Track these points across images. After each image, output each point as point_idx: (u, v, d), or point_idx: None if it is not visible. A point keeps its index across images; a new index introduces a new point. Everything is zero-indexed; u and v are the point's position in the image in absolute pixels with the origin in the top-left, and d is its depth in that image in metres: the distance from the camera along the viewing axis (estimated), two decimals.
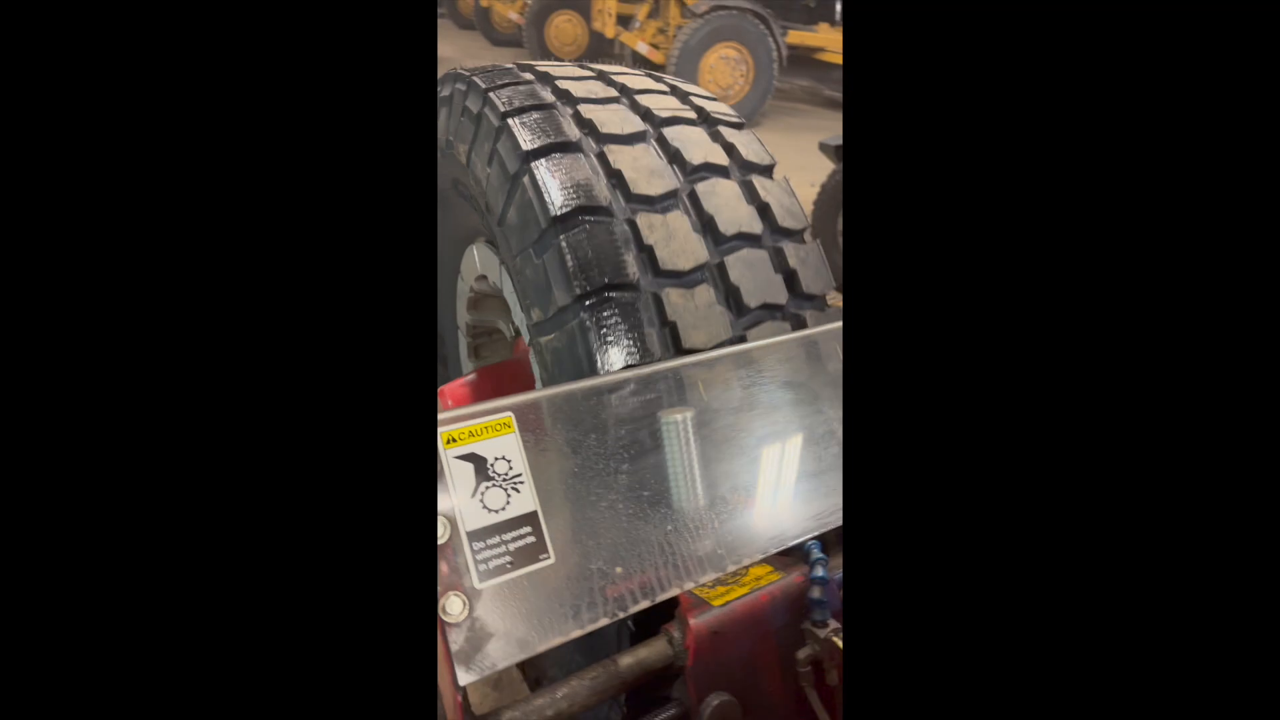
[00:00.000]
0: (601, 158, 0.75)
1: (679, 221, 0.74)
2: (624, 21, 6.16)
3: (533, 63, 0.89)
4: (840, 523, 0.66)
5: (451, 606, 0.48)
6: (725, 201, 0.78)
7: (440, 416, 0.52)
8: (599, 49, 6.94)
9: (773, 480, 0.65)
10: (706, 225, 0.76)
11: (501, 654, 0.48)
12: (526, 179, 0.73)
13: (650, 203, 0.75)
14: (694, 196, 0.77)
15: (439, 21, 10.07)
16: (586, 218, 0.71)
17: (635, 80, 0.89)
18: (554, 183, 0.72)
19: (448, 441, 0.52)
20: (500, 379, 1.05)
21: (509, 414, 0.54)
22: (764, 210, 0.80)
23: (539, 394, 0.56)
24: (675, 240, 0.74)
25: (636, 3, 6.09)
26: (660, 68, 5.42)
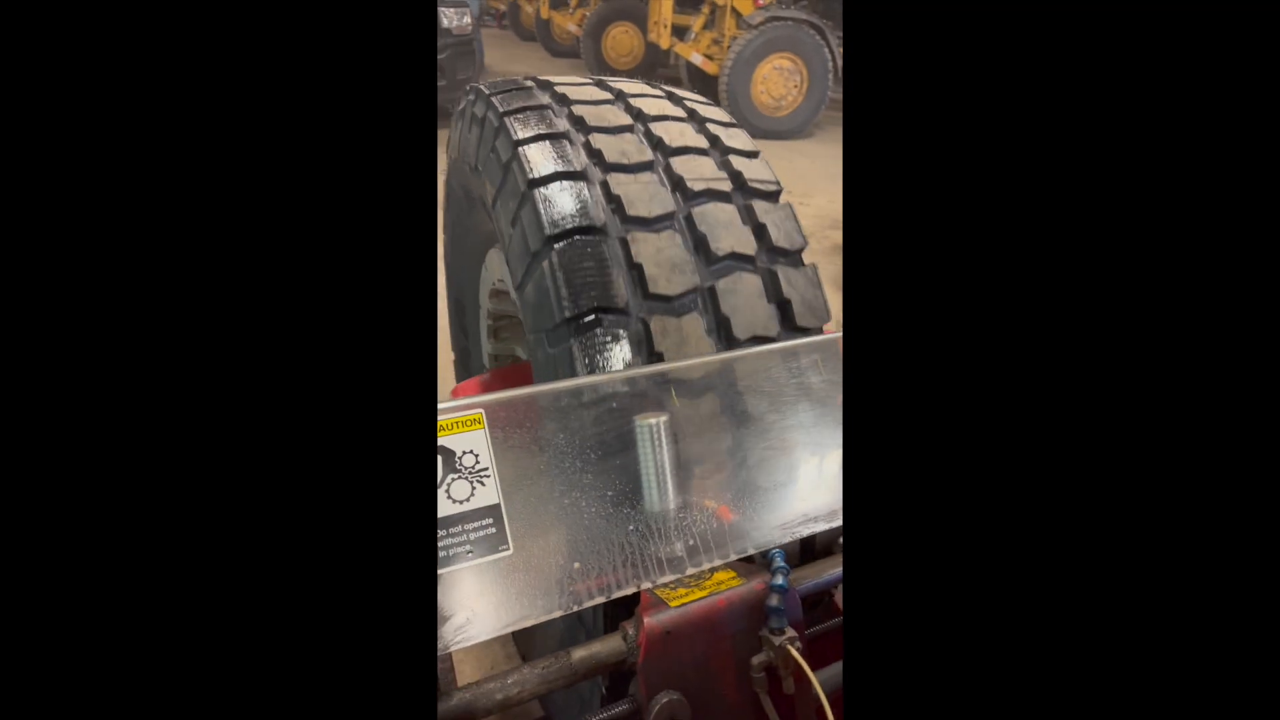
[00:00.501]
0: (604, 185, 0.78)
1: (670, 242, 0.76)
2: (679, 32, 6.21)
3: (554, 81, 0.93)
4: (806, 534, 0.66)
5: None
6: (722, 225, 0.79)
7: None
8: (654, 59, 7.02)
9: (741, 488, 0.66)
10: (699, 245, 0.78)
11: (454, 637, 0.51)
12: (529, 204, 0.77)
13: (646, 224, 0.77)
14: (690, 219, 0.79)
15: (503, 32, 10.38)
16: (579, 238, 0.74)
17: (652, 105, 0.92)
18: (553, 208, 0.75)
19: None
20: (510, 381, 1.08)
21: (479, 410, 0.57)
22: (759, 231, 0.81)
23: (510, 393, 0.59)
24: (665, 260, 0.76)
25: (692, 14, 6.14)
26: (714, 79, 5.43)
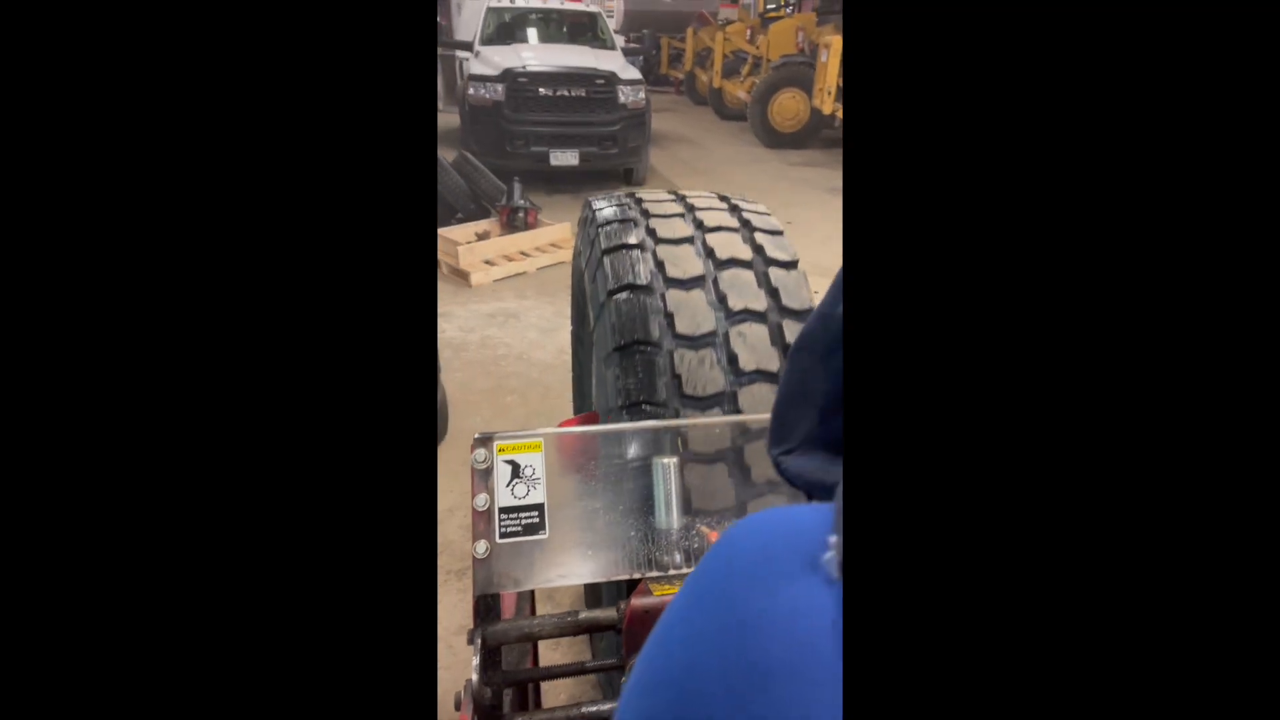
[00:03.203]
0: (662, 297, 1.06)
1: (707, 353, 1.01)
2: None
3: (644, 197, 1.22)
4: None
5: (479, 548, 0.79)
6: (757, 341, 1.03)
7: (499, 434, 0.84)
8: (819, 122, 7.21)
9: (732, 514, 0.87)
10: (731, 360, 1.02)
11: (501, 584, 0.78)
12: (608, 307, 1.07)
13: (691, 341, 1.03)
14: (727, 336, 1.03)
15: (678, 98, 11.19)
16: (640, 347, 1.02)
17: (712, 217, 1.18)
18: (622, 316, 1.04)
19: (500, 449, 0.84)
20: (587, 421, 1.37)
21: (540, 439, 0.85)
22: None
23: (563, 430, 0.87)
24: (702, 368, 1.01)
25: None
26: None
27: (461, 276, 3.73)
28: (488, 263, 3.83)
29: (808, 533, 0.27)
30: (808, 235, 4.39)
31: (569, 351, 1.86)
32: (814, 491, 0.36)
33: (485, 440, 0.83)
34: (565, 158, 5.23)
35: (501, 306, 3.49)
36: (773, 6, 10.51)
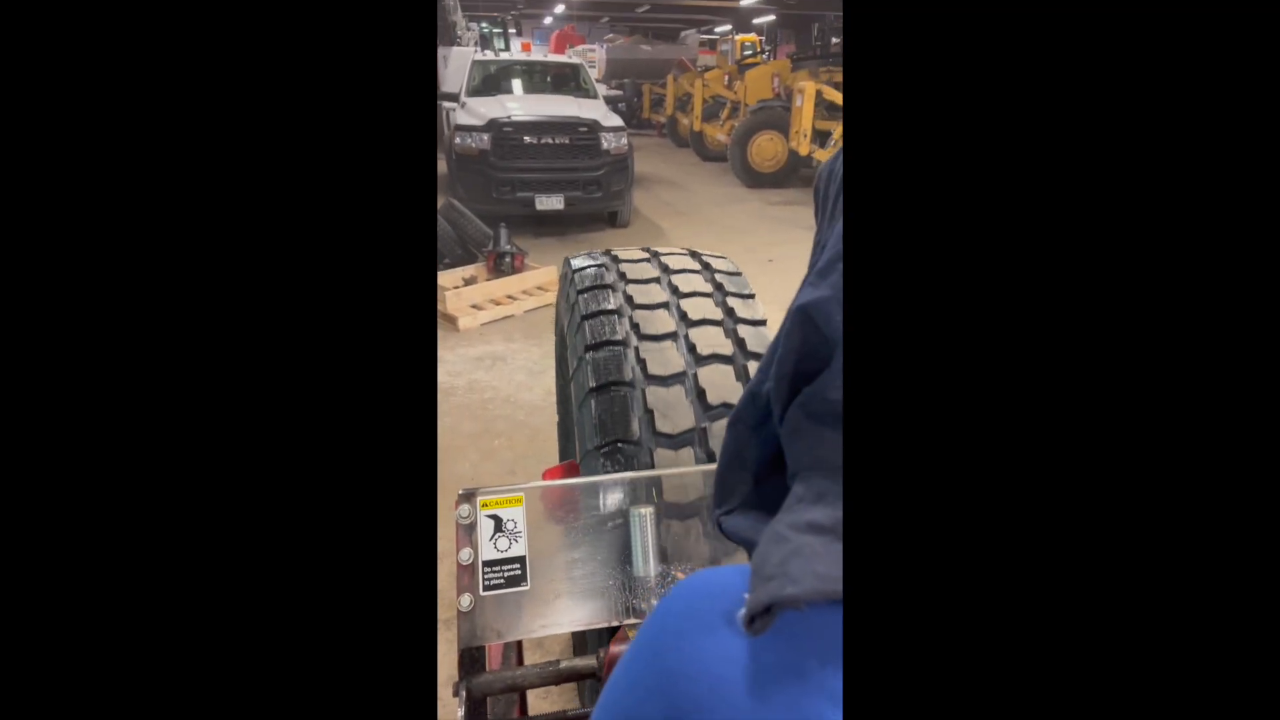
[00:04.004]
0: (636, 350, 1.12)
1: (677, 394, 1.07)
2: (820, 138, 6.58)
3: (621, 257, 1.29)
4: None
5: (464, 602, 0.83)
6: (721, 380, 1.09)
7: (482, 490, 0.88)
8: (796, 163, 7.43)
9: (705, 562, 0.90)
10: (700, 396, 1.07)
11: (485, 636, 0.81)
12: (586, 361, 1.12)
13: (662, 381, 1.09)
14: (695, 377, 1.09)
15: (661, 140, 11.51)
16: (613, 389, 1.07)
17: (685, 281, 1.25)
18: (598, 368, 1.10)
19: (483, 505, 0.88)
20: (570, 471, 1.41)
21: (521, 494, 0.89)
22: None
23: (544, 484, 0.91)
24: (673, 409, 1.06)
25: (834, 120, 6.50)
26: None
27: (449, 321, 3.78)
28: (475, 307, 3.89)
29: (729, 591, 0.32)
30: (788, 274, 4.50)
31: (555, 392, 1.91)
32: (749, 548, 0.41)
33: (469, 496, 0.87)
34: (551, 202, 5.36)
35: (489, 350, 3.53)
36: (749, 54, 10.89)
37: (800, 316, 0.34)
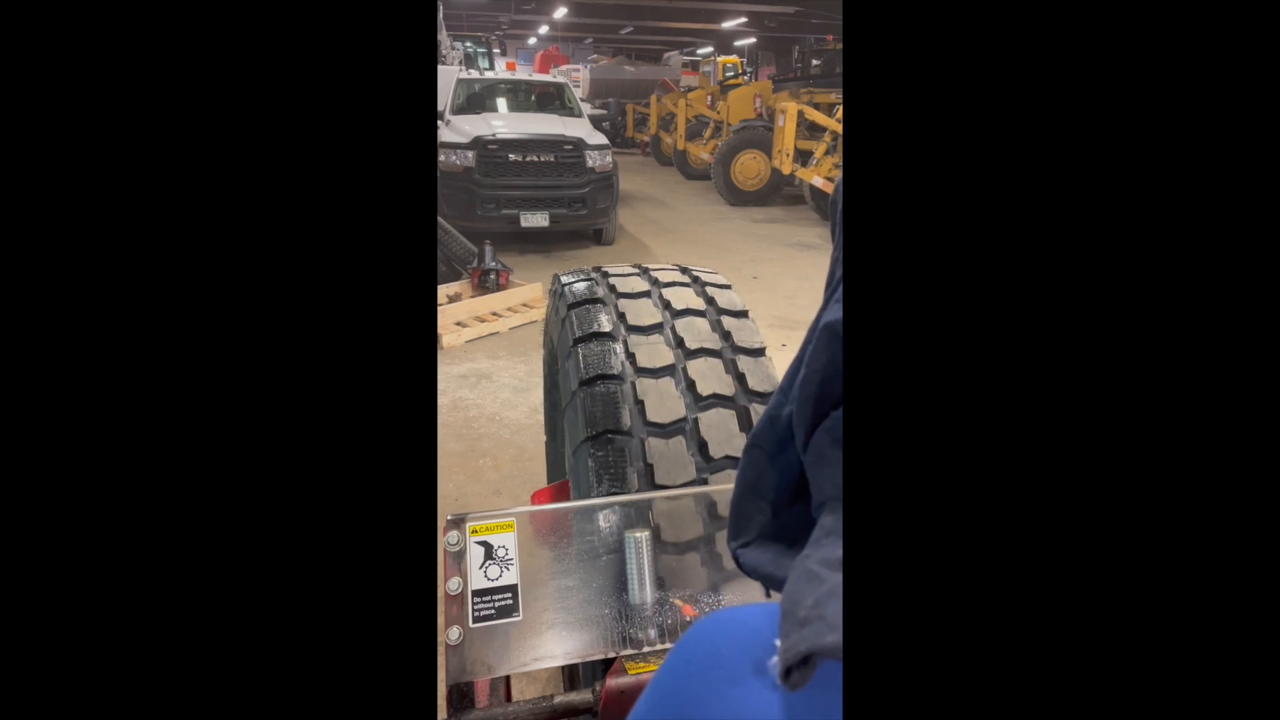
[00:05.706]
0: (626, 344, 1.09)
1: (668, 386, 1.04)
2: (803, 157, 6.66)
3: (612, 274, 1.27)
4: None
5: (453, 634, 0.79)
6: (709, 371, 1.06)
7: (471, 515, 0.85)
8: (779, 181, 7.51)
9: (705, 589, 0.87)
10: (689, 387, 1.05)
11: (475, 671, 0.77)
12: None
13: (652, 374, 1.06)
14: (685, 370, 1.06)
15: (645, 159, 11.59)
16: (601, 383, 1.04)
17: (678, 297, 1.23)
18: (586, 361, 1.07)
19: (473, 531, 0.84)
20: (560, 493, 1.37)
21: (512, 519, 0.85)
22: (741, 379, 1.06)
23: (536, 508, 0.87)
24: (663, 400, 1.03)
25: (815, 140, 6.59)
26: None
27: None
28: (459, 324, 3.84)
29: (757, 635, 0.29)
30: (774, 290, 4.52)
31: (541, 409, 1.88)
32: (770, 584, 0.38)
33: (458, 522, 0.83)
34: (535, 219, 5.35)
35: (474, 367, 3.49)
36: (731, 75, 11.03)
37: (828, 335, 0.32)
